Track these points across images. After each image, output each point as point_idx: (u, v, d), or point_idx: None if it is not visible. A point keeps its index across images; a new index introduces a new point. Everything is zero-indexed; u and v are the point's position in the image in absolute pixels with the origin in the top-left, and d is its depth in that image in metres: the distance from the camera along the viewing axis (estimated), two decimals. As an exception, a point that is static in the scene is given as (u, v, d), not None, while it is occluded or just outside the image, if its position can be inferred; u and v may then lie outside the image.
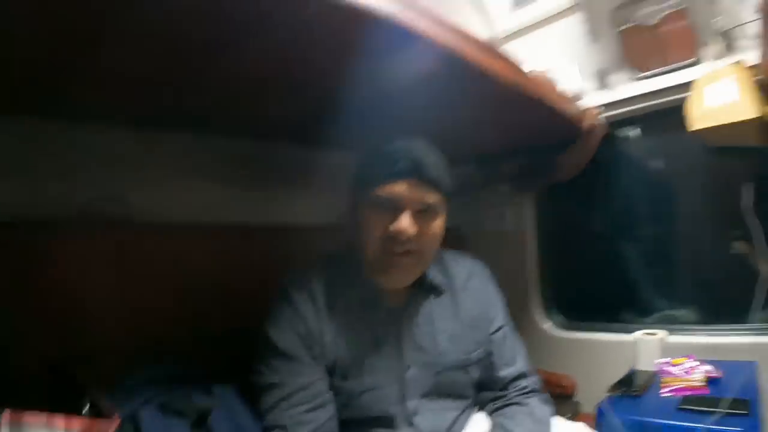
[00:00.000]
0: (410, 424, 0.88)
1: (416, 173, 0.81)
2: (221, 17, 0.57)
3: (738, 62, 1.26)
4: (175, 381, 0.85)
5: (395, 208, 0.81)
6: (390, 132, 0.85)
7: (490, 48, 0.87)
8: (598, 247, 1.89)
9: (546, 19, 1.65)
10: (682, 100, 1.34)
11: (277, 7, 0.56)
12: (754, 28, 1.22)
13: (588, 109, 1.48)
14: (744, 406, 1.05)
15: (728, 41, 1.33)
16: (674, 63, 1.44)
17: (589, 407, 1.38)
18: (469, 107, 1.06)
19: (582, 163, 1.56)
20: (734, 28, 1.30)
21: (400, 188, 0.81)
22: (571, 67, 1.53)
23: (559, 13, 1.62)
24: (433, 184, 0.83)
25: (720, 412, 1.04)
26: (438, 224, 0.86)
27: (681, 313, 1.66)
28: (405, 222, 0.80)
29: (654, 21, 1.44)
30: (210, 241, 1.10)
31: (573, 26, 1.61)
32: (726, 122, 1.19)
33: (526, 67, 1.02)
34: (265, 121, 1.07)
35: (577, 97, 1.49)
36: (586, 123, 1.45)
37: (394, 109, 1.00)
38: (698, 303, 1.65)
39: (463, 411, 0.96)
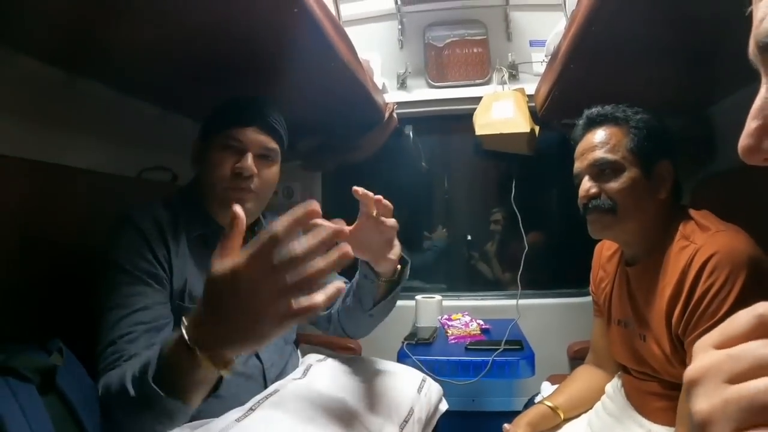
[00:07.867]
0: (257, 356, 0.95)
1: (259, 121, 0.93)
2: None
3: (519, 89, 1.65)
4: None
5: (240, 150, 0.91)
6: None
7: (339, 27, 0.97)
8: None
9: (366, 18, 1.81)
10: (466, 110, 1.66)
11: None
12: (536, 67, 1.61)
13: (388, 102, 1.69)
14: (518, 343, 1.39)
15: (514, 72, 1.73)
16: (467, 80, 1.76)
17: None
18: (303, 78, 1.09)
19: (376, 147, 1.73)
20: (521, 63, 1.71)
21: (245, 132, 0.91)
22: (376, 65, 1.72)
23: (378, 16, 1.79)
24: (272, 133, 0.95)
25: (501, 348, 1.36)
26: (274, 170, 0.97)
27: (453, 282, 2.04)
28: (248, 161, 0.90)
29: (442, 44, 1.76)
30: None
31: (387, 30, 1.81)
32: (504, 132, 1.55)
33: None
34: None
35: (382, 90, 1.70)
36: (387, 113, 1.66)
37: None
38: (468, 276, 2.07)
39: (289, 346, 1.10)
